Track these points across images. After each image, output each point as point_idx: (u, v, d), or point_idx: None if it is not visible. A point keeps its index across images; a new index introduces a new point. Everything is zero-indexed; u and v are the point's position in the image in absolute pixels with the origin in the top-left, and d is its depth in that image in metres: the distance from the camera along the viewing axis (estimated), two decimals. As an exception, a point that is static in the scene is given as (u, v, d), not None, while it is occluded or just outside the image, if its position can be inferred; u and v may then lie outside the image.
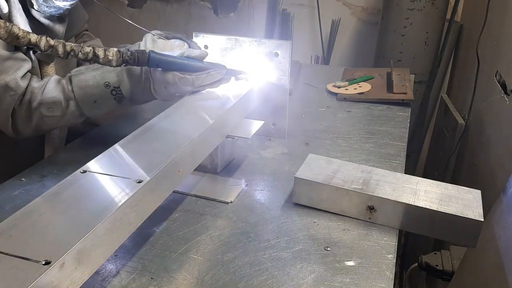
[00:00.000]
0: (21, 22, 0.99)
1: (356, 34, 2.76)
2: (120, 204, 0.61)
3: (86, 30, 1.33)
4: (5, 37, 0.77)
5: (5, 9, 0.96)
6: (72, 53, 0.85)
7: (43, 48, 0.82)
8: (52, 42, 0.83)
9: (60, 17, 1.08)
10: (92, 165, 0.71)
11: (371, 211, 0.88)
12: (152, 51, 0.94)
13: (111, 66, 0.90)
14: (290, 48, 1.13)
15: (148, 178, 0.68)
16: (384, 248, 0.82)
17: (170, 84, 0.97)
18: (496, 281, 1.00)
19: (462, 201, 0.86)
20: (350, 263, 0.79)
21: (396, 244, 0.84)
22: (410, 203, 0.85)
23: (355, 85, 1.61)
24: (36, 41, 0.81)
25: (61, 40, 0.84)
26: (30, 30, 1.03)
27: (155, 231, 0.86)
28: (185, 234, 0.86)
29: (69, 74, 1.02)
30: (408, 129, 1.33)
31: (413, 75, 1.79)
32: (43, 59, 1.09)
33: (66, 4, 1.03)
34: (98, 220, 0.58)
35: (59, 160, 1.14)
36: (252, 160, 1.13)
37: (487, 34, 1.91)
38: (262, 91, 1.14)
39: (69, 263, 0.53)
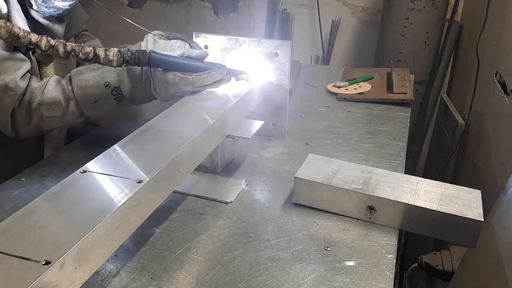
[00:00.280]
0: (20, 23, 0.99)
1: (356, 34, 2.76)
2: (120, 204, 0.61)
3: (85, 30, 1.33)
4: (5, 37, 0.77)
5: (4, 10, 0.96)
6: (72, 53, 0.85)
7: (43, 48, 0.82)
8: (52, 42, 0.83)
9: (59, 18, 1.08)
10: (92, 165, 0.71)
11: (371, 211, 0.88)
12: (153, 51, 0.94)
13: (111, 66, 0.90)
14: (290, 48, 1.13)
15: (148, 178, 0.68)
16: (384, 248, 0.82)
17: (170, 84, 0.97)
18: (496, 281, 1.00)
19: (462, 201, 0.86)
20: (350, 263, 0.79)
21: (396, 244, 0.84)
22: (410, 203, 0.85)
23: (355, 85, 1.61)
24: (37, 41, 0.81)
25: (62, 40, 0.84)
26: (29, 31, 1.03)
27: (155, 231, 0.86)
28: (185, 234, 0.86)
29: (69, 74, 1.02)
30: (408, 129, 1.33)
31: (413, 75, 1.79)
32: (42, 60, 1.09)
33: (65, 5, 1.02)
34: (98, 220, 0.58)
35: (59, 160, 1.14)
36: (252, 160, 1.13)
37: (487, 34, 1.91)
38: (262, 91, 1.14)
39: (69, 263, 0.53)
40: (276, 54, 1.14)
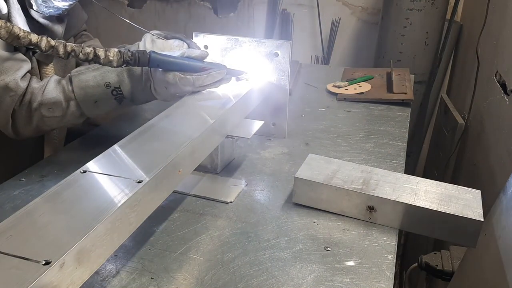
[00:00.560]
0: (20, 23, 0.99)
1: (356, 34, 2.76)
2: (120, 204, 0.61)
3: (85, 30, 1.33)
4: (5, 37, 0.77)
5: (4, 10, 0.96)
6: (73, 54, 0.85)
7: (43, 49, 0.82)
8: (52, 42, 0.83)
9: (59, 18, 1.08)
10: (92, 165, 0.71)
11: (371, 211, 0.88)
12: (153, 52, 0.94)
13: (112, 67, 0.90)
14: (290, 48, 1.13)
15: (148, 178, 0.68)
16: (384, 248, 0.82)
17: (170, 84, 0.97)
18: (496, 281, 1.00)
19: (462, 201, 0.86)
20: (350, 263, 0.79)
21: (396, 244, 0.84)
22: (410, 203, 0.85)
23: (355, 85, 1.61)
24: (37, 42, 0.81)
25: (62, 41, 0.84)
26: (29, 31, 1.03)
27: (155, 231, 0.86)
28: (185, 234, 0.86)
29: (69, 74, 1.02)
30: (408, 129, 1.33)
31: (413, 75, 1.79)
32: (42, 60, 1.09)
33: (65, 5, 1.02)
34: (98, 220, 0.58)
35: (59, 160, 1.14)
36: (252, 160, 1.13)
37: (487, 34, 1.91)
38: (262, 91, 1.14)
39: (69, 263, 0.53)
40: (276, 54, 1.14)
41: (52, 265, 0.50)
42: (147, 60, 0.93)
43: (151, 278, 0.75)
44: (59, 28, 1.09)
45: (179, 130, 0.87)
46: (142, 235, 0.84)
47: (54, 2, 1.00)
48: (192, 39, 1.16)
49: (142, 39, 1.08)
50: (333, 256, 0.80)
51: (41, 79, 1.09)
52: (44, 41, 0.81)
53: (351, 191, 0.89)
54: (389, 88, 1.57)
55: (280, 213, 0.92)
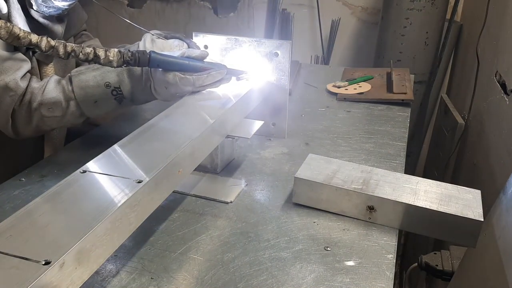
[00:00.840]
0: (20, 23, 0.99)
1: (356, 34, 2.76)
2: (120, 204, 0.61)
3: (85, 30, 1.33)
4: (5, 38, 0.77)
5: (4, 10, 0.96)
6: (73, 54, 0.85)
7: (43, 49, 0.82)
8: (53, 42, 0.83)
9: (59, 18, 1.08)
10: (92, 165, 0.71)
11: (371, 211, 0.88)
12: (153, 52, 0.94)
13: (112, 67, 0.90)
14: (290, 48, 1.13)
15: (148, 178, 0.68)
16: (384, 248, 0.82)
17: (170, 84, 0.97)
18: (496, 281, 1.00)
19: (462, 201, 0.86)
20: (350, 263, 0.79)
21: (396, 244, 0.84)
22: (410, 203, 0.85)
23: (355, 85, 1.61)
24: (37, 42, 0.81)
25: (62, 41, 0.84)
26: (29, 31, 1.03)
27: (155, 231, 0.86)
28: (185, 234, 0.86)
29: (69, 74, 1.02)
30: (408, 129, 1.33)
31: (413, 75, 1.79)
32: (42, 60, 1.09)
33: (65, 4, 1.02)
34: (98, 220, 0.58)
35: (59, 160, 1.14)
36: (252, 160, 1.13)
37: (487, 34, 1.91)
38: (262, 91, 1.14)
39: (69, 263, 0.53)
40: (276, 54, 1.14)
41: (52, 265, 0.50)
42: (147, 60, 0.93)
43: (151, 278, 0.75)
44: (59, 28, 1.09)
45: (179, 130, 0.87)
46: (142, 235, 0.84)
47: (54, 2, 1.00)
48: (192, 39, 1.16)
49: (142, 39, 1.08)
50: (333, 256, 0.80)
51: (41, 79, 1.09)
52: (44, 41, 0.81)
53: (351, 191, 0.89)
54: (389, 88, 1.57)
55: (280, 213, 0.92)
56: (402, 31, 2.22)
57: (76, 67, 1.26)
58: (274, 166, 1.11)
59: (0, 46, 0.96)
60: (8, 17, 0.97)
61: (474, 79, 1.95)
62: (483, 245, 1.04)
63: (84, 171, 0.69)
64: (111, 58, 0.89)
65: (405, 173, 1.02)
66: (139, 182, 0.66)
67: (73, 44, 0.85)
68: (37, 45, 0.81)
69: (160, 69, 0.97)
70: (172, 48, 1.05)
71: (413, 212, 0.85)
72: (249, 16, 2.89)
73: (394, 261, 0.80)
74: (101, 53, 0.88)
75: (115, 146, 0.77)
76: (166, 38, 1.08)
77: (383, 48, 2.33)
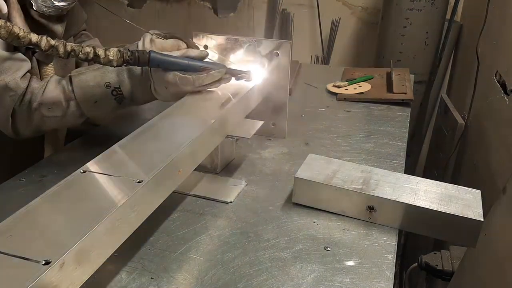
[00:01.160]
0: (20, 23, 0.99)
1: (356, 34, 2.76)
2: (120, 204, 0.61)
3: (84, 30, 1.33)
4: (5, 37, 0.77)
5: (4, 10, 0.96)
6: (72, 53, 0.85)
7: (43, 48, 0.82)
8: (52, 42, 0.82)
9: (59, 17, 1.08)
10: (92, 165, 0.71)
11: (371, 211, 0.88)
12: (153, 51, 0.94)
13: (112, 66, 0.90)
14: (290, 48, 1.13)
15: (148, 178, 0.68)
16: (384, 248, 0.82)
17: (170, 84, 0.97)
18: (496, 281, 1.00)
19: (462, 201, 0.86)
20: (350, 263, 0.79)
21: (396, 244, 0.84)
22: (410, 203, 0.85)
23: (355, 85, 1.61)
24: (37, 41, 0.81)
25: (62, 40, 0.84)
26: (29, 30, 1.03)
27: (155, 231, 0.86)
28: (185, 234, 0.86)
29: (70, 74, 1.02)
30: (408, 129, 1.33)
31: (413, 75, 1.79)
32: (42, 59, 1.09)
33: (64, 4, 1.02)
34: (98, 220, 0.58)
35: (59, 160, 1.14)
36: (252, 160, 1.13)
37: (487, 34, 1.91)
38: (262, 91, 1.14)
39: (69, 263, 0.53)
40: (276, 54, 1.14)
41: (52, 265, 0.50)
42: (147, 60, 0.93)
43: (151, 278, 0.75)
44: (58, 28, 1.09)
45: (179, 130, 0.87)
46: (142, 235, 0.84)
47: (54, 2, 1.00)
48: (192, 39, 1.16)
49: (141, 39, 1.08)
50: (333, 256, 0.80)
51: (41, 79, 1.09)
52: (44, 41, 0.81)
53: (351, 191, 0.89)
54: (389, 88, 1.57)
55: (280, 213, 0.92)
56: (402, 31, 2.23)
57: (76, 67, 1.26)
58: (274, 166, 1.11)
59: (0, 45, 0.96)
60: (8, 17, 0.97)
61: (474, 79, 1.95)
62: (483, 245, 1.03)
63: (84, 171, 0.69)
64: (111, 58, 0.88)
65: (405, 173, 1.02)
66: (139, 182, 0.66)
67: (73, 44, 0.85)
68: (37, 45, 0.81)
69: (160, 69, 0.97)
70: (172, 48, 1.05)
71: (413, 212, 0.85)
72: (249, 16, 2.89)
73: (394, 261, 0.80)
74: (100, 52, 0.87)
75: (115, 146, 0.77)
76: (166, 38, 1.08)
77: (383, 48, 2.33)
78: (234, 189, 1.00)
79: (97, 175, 0.69)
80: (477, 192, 0.89)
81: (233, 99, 1.00)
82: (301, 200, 0.94)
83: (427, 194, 0.88)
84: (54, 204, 0.62)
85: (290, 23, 2.80)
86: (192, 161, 0.83)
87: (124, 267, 0.77)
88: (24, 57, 1.01)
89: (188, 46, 1.04)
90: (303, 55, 2.76)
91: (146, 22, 3.00)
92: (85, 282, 0.57)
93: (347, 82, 1.62)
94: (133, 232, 0.66)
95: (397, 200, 0.86)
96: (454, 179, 2.17)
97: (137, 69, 1.00)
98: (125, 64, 0.91)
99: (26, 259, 0.51)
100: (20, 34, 0.78)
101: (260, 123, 1.05)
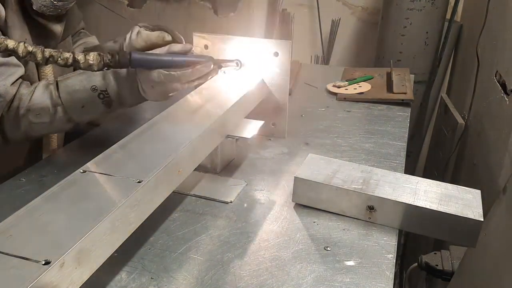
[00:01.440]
0: (17, 24, 0.98)
1: (356, 34, 2.76)
2: (120, 204, 0.61)
3: (83, 29, 1.33)
4: None
5: (2, 13, 0.95)
6: (51, 59, 0.83)
7: (21, 54, 0.80)
8: (30, 48, 0.80)
9: (58, 17, 1.08)
10: (92, 165, 0.71)
11: (371, 211, 0.88)
12: (134, 52, 0.92)
13: (92, 71, 0.88)
14: (290, 48, 1.13)
15: (148, 178, 0.68)
16: (384, 248, 0.82)
17: (156, 83, 0.95)
18: (496, 281, 1.00)
19: (462, 201, 0.86)
20: (350, 263, 0.79)
21: (396, 244, 0.84)
22: (410, 203, 0.85)
23: (355, 85, 1.61)
24: (14, 47, 0.79)
25: (40, 46, 0.83)
26: (27, 31, 1.03)
27: (155, 231, 0.86)
28: (185, 234, 0.86)
29: (57, 79, 1.01)
30: (408, 129, 1.33)
31: (413, 75, 1.79)
32: None
33: (64, 4, 1.02)
34: (98, 220, 0.58)
35: (59, 160, 1.14)
36: (252, 160, 1.13)
37: (487, 34, 1.91)
38: (262, 91, 1.14)
39: (69, 263, 0.53)
40: (276, 54, 1.14)
41: (52, 265, 0.50)
42: (127, 61, 0.90)
43: (151, 278, 0.75)
44: (58, 28, 1.09)
45: (179, 130, 0.87)
46: (142, 235, 0.84)
47: (53, 1, 1.00)
48: (192, 39, 1.16)
49: (130, 31, 1.05)
50: (333, 256, 0.80)
51: (40, 79, 1.08)
52: (21, 47, 0.79)
53: (351, 191, 0.89)
54: (389, 88, 1.57)
55: (280, 213, 0.92)
56: (402, 31, 2.23)
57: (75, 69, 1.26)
58: (274, 166, 1.11)
59: None
60: (5, 18, 0.96)
61: (474, 79, 1.95)
62: (483, 245, 1.04)
63: (84, 171, 0.69)
64: (91, 62, 0.87)
65: (405, 173, 1.02)
66: (139, 182, 0.66)
67: (51, 50, 0.83)
68: (13, 51, 0.79)
69: (144, 69, 0.95)
70: (157, 39, 1.01)
71: (413, 212, 0.85)
72: (249, 16, 2.89)
73: (394, 261, 0.80)
74: (80, 57, 0.86)
75: (115, 146, 0.77)
76: (152, 30, 1.06)
77: (383, 48, 2.33)
78: (234, 189, 1.00)
79: (97, 175, 0.69)
80: (477, 192, 0.89)
81: (233, 99, 1.00)
82: (301, 200, 0.94)
83: (427, 194, 0.88)
84: (54, 204, 0.62)
85: (290, 23, 2.80)
86: (192, 161, 0.83)
87: (124, 267, 0.77)
88: (18, 62, 0.99)
89: (173, 39, 1.01)
90: (303, 55, 2.76)
91: (146, 22, 3.00)
92: (85, 282, 0.57)
93: (347, 82, 1.62)
94: (133, 232, 0.66)
95: (397, 200, 0.86)
96: (454, 179, 2.17)
97: (123, 71, 0.98)
98: (106, 68, 0.89)
99: (26, 259, 0.51)
100: None
101: (260, 123, 1.06)
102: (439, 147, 2.38)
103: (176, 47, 0.97)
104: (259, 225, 0.89)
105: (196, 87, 1.03)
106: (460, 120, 2.10)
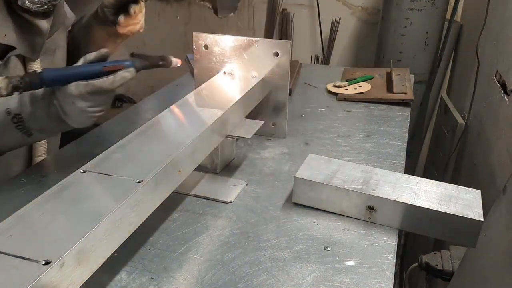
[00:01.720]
0: (2, 19, 0.96)
1: (356, 34, 2.76)
2: (120, 204, 0.61)
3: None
4: None
5: None
6: None
7: None
8: None
9: (45, 13, 1.06)
10: (92, 165, 0.71)
11: (371, 211, 0.88)
12: (46, 69, 0.84)
13: (1, 96, 0.79)
14: (290, 48, 1.13)
15: (148, 178, 0.68)
16: (384, 248, 0.82)
17: (76, 97, 0.83)
18: (496, 281, 1.00)
19: (462, 201, 0.86)
20: (350, 263, 0.79)
21: (396, 244, 0.84)
22: (410, 203, 0.85)
23: (355, 85, 1.61)
24: None
25: None
26: (10, 27, 1.01)
27: (155, 231, 0.86)
28: (185, 234, 0.86)
29: None
30: (408, 129, 1.33)
31: (413, 75, 1.79)
32: (27, 55, 1.07)
33: (49, 0, 1.01)
34: (98, 220, 0.58)
35: (59, 160, 1.14)
36: (252, 160, 1.13)
37: (487, 34, 1.91)
38: (262, 91, 1.14)
39: (69, 263, 0.53)
40: (276, 54, 1.14)
41: (52, 265, 0.50)
42: (38, 81, 0.81)
43: (151, 278, 0.75)
44: (44, 24, 1.05)
45: (179, 130, 0.87)
46: (142, 235, 0.84)
47: None
48: (192, 39, 1.16)
49: None
50: (333, 256, 0.80)
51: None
52: None
53: (351, 191, 0.89)
54: (389, 88, 1.57)
55: (280, 213, 0.93)
56: (402, 31, 2.23)
57: (70, 63, 1.24)
58: (274, 166, 1.11)
59: None
60: None
61: (474, 79, 1.95)
62: (483, 245, 1.04)
63: (84, 171, 0.69)
64: None
65: (405, 173, 1.02)
66: (139, 182, 0.66)
67: None
68: None
69: (60, 86, 0.85)
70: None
71: (413, 212, 0.85)
72: (249, 16, 2.90)
73: (394, 261, 0.80)
74: None
75: (115, 146, 0.77)
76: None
77: (383, 48, 2.33)
78: (234, 189, 1.00)
79: (97, 175, 0.69)
80: (477, 192, 0.89)
81: (233, 99, 1.00)
82: (301, 200, 0.94)
83: (427, 194, 0.88)
84: (54, 204, 0.62)
85: (290, 23, 2.80)
86: (192, 161, 0.83)
87: (124, 267, 0.77)
88: None
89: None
90: (303, 55, 2.77)
91: (146, 22, 3.00)
92: (85, 282, 0.57)
93: (347, 82, 1.62)
94: (133, 232, 0.66)
95: (397, 200, 0.86)
96: (454, 179, 2.17)
97: (40, 91, 0.87)
98: (18, 92, 0.81)
99: (26, 259, 0.51)
100: None
101: (260, 123, 1.06)
102: (439, 147, 2.38)
103: (91, 55, 0.88)
104: (259, 225, 0.89)
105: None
106: (460, 120, 2.10)
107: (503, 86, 1.66)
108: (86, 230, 0.56)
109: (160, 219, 0.89)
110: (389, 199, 0.86)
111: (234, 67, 1.15)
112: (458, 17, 2.52)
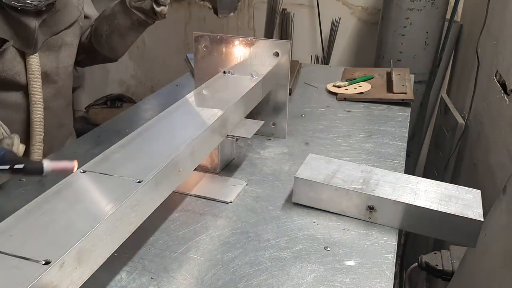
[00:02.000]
0: None
1: (356, 34, 2.76)
2: (120, 204, 0.61)
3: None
4: None
5: None
6: None
7: None
8: None
9: (37, 13, 1.06)
10: (92, 165, 0.71)
11: (371, 211, 0.88)
12: None
13: None
14: (290, 48, 1.13)
15: (148, 178, 0.68)
16: (384, 248, 0.82)
17: None
18: (495, 281, 1.00)
19: (462, 201, 0.86)
20: (350, 263, 0.79)
21: (396, 244, 0.84)
22: (410, 203, 0.85)
23: (355, 85, 1.61)
24: None
25: None
26: (1, 21, 1.02)
27: (155, 231, 0.86)
28: (185, 234, 0.86)
29: None
30: (408, 129, 1.33)
31: (413, 75, 1.79)
32: (23, 50, 1.07)
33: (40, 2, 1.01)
34: (98, 220, 0.58)
35: (59, 160, 1.13)
36: (252, 160, 1.13)
37: (487, 34, 1.91)
38: (262, 91, 1.14)
39: (69, 263, 0.53)
40: (276, 54, 1.14)
41: (52, 265, 0.50)
42: None
43: (151, 278, 0.75)
44: (31, 22, 1.06)
45: (179, 130, 0.87)
46: (142, 235, 0.84)
47: None
48: (192, 39, 1.16)
49: None
50: (333, 256, 0.80)
51: (26, 69, 1.08)
52: None
53: (351, 191, 0.89)
54: (389, 88, 1.57)
55: (280, 213, 0.93)
56: (402, 31, 2.23)
57: (77, 61, 1.25)
58: (274, 166, 1.11)
59: None
60: None
61: (474, 79, 1.95)
62: (483, 245, 1.04)
63: (84, 171, 0.69)
64: None
65: (405, 173, 1.02)
66: (139, 182, 0.66)
67: None
68: None
69: None
70: None
71: (413, 212, 0.85)
72: (249, 16, 2.90)
73: (394, 261, 0.80)
74: None
75: (115, 146, 0.77)
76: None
77: (383, 48, 2.33)
78: (234, 189, 1.00)
79: (97, 175, 0.69)
80: (477, 192, 0.89)
81: (233, 99, 1.00)
82: (301, 200, 0.94)
83: (427, 194, 0.88)
84: (54, 204, 0.62)
85: (290, 23, 2.80)
86: (192, 161, 0.83)
87: (124, 267, 0.77)
88: None
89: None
90: (303, 55, 2.76)
91: (146, 22, 3.00)
92: (85, 282, 0.57)
93: (347, 82, 1.62)
94: (133, 232, 0.66)
95: (397, 200, 0.86)
96: (454, 179, 2.17)
97: None
98: None
99: (26, 259, 0.51)
100: None
101: (260, 123, 1.06)
102: (439, 147, 2.38)
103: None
104: (259, 225, 0.89)
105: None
106: (460, 120, 2.10)
107: (503, 86, 1.66)
108: (86, 230, 0.56)
109: (160, 219, 0.89)
110: (389, 199, 0.86)
111: (234, 67, 1.15)
112: (458, 17, 2.52)
